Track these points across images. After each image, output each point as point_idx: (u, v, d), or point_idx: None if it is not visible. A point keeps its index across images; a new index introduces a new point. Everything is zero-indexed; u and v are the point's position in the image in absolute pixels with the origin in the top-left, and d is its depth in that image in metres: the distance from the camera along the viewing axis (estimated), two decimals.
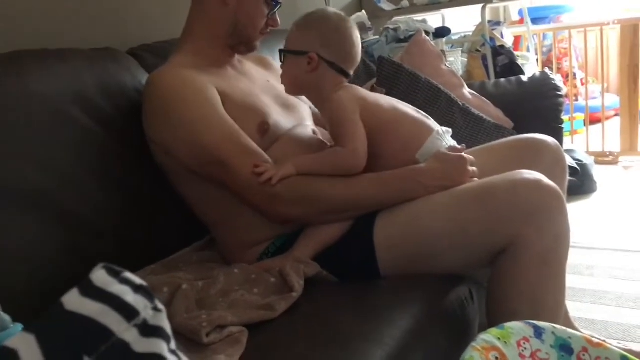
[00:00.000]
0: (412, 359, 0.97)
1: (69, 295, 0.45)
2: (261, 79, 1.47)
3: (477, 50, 2.80)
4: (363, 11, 2.78)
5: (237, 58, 1.46)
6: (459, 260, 1.16)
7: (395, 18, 2.92)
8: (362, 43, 2.53)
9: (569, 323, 1.44)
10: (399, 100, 1.33)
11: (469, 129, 1.92)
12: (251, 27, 1.38)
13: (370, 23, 2.72)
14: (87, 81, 1.34)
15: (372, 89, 1.96)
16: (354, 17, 2.72)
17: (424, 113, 1.33)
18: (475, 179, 1.24)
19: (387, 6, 2.97)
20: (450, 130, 1.30)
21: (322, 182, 1.20)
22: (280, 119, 1.36)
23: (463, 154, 1.24)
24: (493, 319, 1.14)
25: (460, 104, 1.94)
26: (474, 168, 1.25)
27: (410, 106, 1.33)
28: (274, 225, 1.25)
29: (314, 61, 1.25)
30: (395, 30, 2.54)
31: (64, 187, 1.20)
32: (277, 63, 1.62)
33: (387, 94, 1.96)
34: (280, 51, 1.30)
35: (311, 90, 1.31)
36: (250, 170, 1.17)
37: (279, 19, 1.42)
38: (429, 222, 1.16)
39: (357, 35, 1.29)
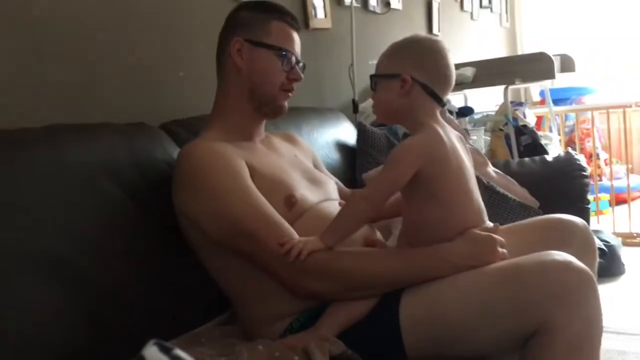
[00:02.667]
0: None
1: None
2: (289, 154, 1.50)
3: (500, 130, 2.83)
4: None
5: (265, 134, 1.49)
6: (487, 344, 1.12)
7: None
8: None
9: None
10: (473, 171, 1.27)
11: (494, 207, 1.91)
12: (268, 84, 1.40)
13: None
14: (120, 155, 1.38)
15: None
16: None
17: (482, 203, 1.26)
18: (504, 259, 1.23)
19: None
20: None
21: (349, 257, 1.20)
22: (307, 192, 1.37)
23: (494, 235, 1.22)
24: None
25: (485, 182, 1.95)
26: (504, 250, 1.24)
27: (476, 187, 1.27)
28: (298, 300, 1.24)
29: (407, 83, 1.19)
30: None
31: (89, 258, 1.21)
32: (301, 138, 1.66)
33: None
34: (371, 77, 1.25)
35: (406, 116, 1.23)
36: (277, 243, 1.17)
37: (301, 73, 1.43)
38: (455, 304, 1.13)
39: (450, 58, 1.24)
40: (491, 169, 2.07)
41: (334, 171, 1.85)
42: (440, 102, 1.23)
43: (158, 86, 1.80)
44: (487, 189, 1.92)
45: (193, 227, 1.30)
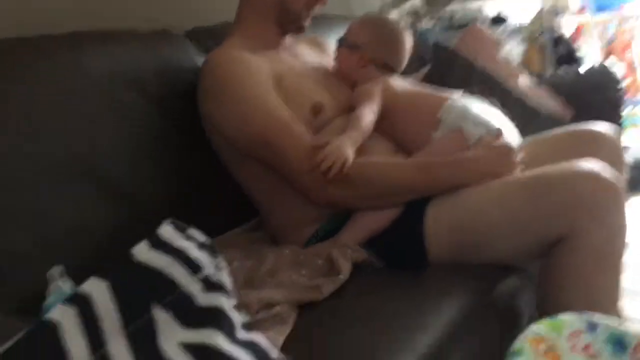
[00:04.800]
0: (458, 349, 0.96)
1: (138, 247, 0.47)
2: (313, 60, 1.48)
3: (535, 40, 2.72)
4: None
5: (290, 40, 1.47)
6: (510, 250, 1.14)
7: (451, 6, 2.86)
8: (416, 29, 2.52)
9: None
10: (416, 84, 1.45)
11: (524, 120, 1.87)
12: (297, 4, 1.37)
13: (424, 10, 2.68)
14: (143, 63, 1.37)
15: (424, 78, 1.94)
16: (407, 4, 2.68)
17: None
18: (522, 167, 1.22)
19: None
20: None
21: (369, 166, 1.20)
22: (333, 100, 1.36)
23: (511, 143, 1.22)
24: (544, 312, 1.11)
25: (515, 94, 1.90)
26: (522, 155, 1.23)
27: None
28: (323, 207, 1.25)
29: (364, 60, 1.38)
30: (450, 18, 2.50)
31: (116, 167, 1.23)
32: (329, 45, 1.63)
33: (440, 82, 1.94)
34: (338, 40, 1.43)
35: (352, 81, 1.42)
36: (298, 154, 1.18)
37: None
38: (480, 210, 1.14)
39: (409, 43, 1.43)
40: (523, 80, 2.01)
41: None
42: (392, 73, 1.42)
43: None
44: (517, 102, 1.87)
45: (219, 135, 1.31)
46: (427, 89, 1.41)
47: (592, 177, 1.06)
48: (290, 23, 1.40)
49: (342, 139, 1.16)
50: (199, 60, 1.47)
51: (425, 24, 2.60)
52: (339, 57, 1.44)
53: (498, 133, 1.24)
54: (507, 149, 1.20)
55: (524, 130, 1.84)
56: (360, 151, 1.19)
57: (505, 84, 1.91)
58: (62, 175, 1.14)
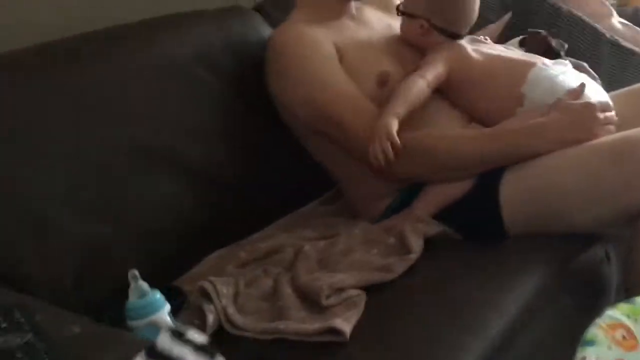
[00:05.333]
0: (536, 327, 0.94)
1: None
2: (381, 25, 1.43)
3: None
4: None
5: (355, 6, 1.42)
6: (592, 219, 1.08)
7: None
8: None
9: None
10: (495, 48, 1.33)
11: (618, 64, 1.74)
12: None
13: None
14: (214, 41, 1.38)
15: (507, 24, 1.84)
16: None
17: (523, 52, 1.30)
18: (611, 127, 1.14)
19: None
20: (566, 62, 1.21)
21: (437, 139, 1.17)
22: (401, 68, 1.32)
23: (591, 100, 1.13)
24: (631, 284, 1.06)
25: (608, 36, 1.76)
26: (609, 114, 1.15)
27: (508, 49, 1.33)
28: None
29: (424, 28, 1.28)
30: None
31: (195, 146, 1.27)
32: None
33: (522, 29, 1.84)
34: (397, 8, 1.33)
35: (420, 47, 1.33)
36: (364, 131, 1.16)
37: None
38: (559, 177, 1.09)
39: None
40: (616, 19, 1.86)
41: None
42: (459, 37, 1.30)
43: None
44: (610, 45, 1.74)
45: (287, 112, 1.32)
46: (508, 53, 1.31)
47: None
48: None
49: (381, 118, 1.14)
50: (267, 33, 1.47)
51: None
52: (402, 27, 1.36)
53: (578, 90, 1.16)
54: (589, 110, 1.13)
55: (619, 76, 1.73)
56: (427, 125, 1.16)
57: (595, 26, 1.77)
58: (143, 161, 1.19)
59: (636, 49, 1.74)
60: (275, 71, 1.30)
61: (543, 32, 1.52)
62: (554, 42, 1.47)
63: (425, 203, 1.20)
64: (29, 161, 1.02)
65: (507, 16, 1.89)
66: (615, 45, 1.75)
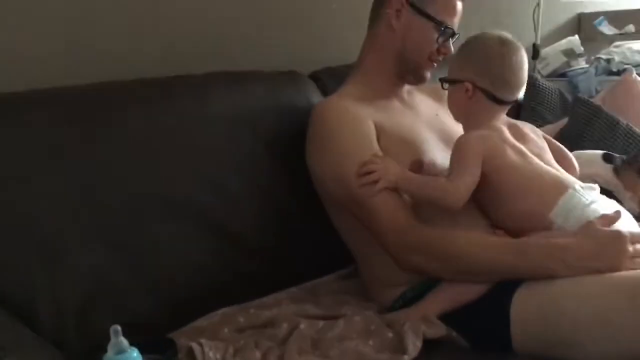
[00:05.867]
0: None
1: None
2: (429, 113, 1.44)
3: None
4: (576, 36, 2.57)
5: (408, 89, 1.44)
6: (601, 354, 1.03)
7: (616, 44, 2.64)
8: (568, 72, 2.36)
9: None
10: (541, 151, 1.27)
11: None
12: (417, 54, 1.34)
13: (582, 49, 2.50)
14: (265, 104, 1.44)
15: (561, 132, 1.82)
16: (564, 41, 2.52)
17: (559, 167, 1.24)
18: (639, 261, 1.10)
19: (608, 30, 2.70)
20: (596, 186, 1.16)
21: (460, 240, 1.16)
22: (440, 156, 1.32)
23: (623, 230, 1.10)
24: None
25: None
26: (639, 246, 1.10)
27: (550, 161, 1.26)
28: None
29: (469, 91, 1.22)
30: (607, 61, 2.30)
31: (220, 201, 1.31)
32: None
33: (579, 135, 1.81)
34: (440, 79, 1.29)
35: (470, 116, 1.27)
36: (388, 219, 1.17)
37: (452, 47, 1.35)
38: (573, 306, 1.05)
39: (518, 60, 1.22)
40: None
41: None
42: (507, 104, 1.24)
43: (315, 30, 1.81)
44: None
45: (319, 183, 1.34)
46: (545, 167, 1.22)
47: None
48: (409, 73, 1.38)
49: (396, 167, 1.21)
50: (317, 101, 1.51)
51: (580, 64, 2.43)
52: (448, 98, 1.30)
53: (612, 217, 1.13)
54: (620, 240, 1.09)
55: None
56: (449, 221, 1.15)
57: None
58: (170, 213, 1.23)
59: None
60: (314, 141, 1.33)
61: None
62: None
63: (434, 300, 1.18)
64: (48, 199, 1.08)
65: (564, 121, 1.88)
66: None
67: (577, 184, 1.18)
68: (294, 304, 1.22)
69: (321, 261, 1.45)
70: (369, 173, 1.20)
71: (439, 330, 1.12)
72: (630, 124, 1.78)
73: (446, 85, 1.27)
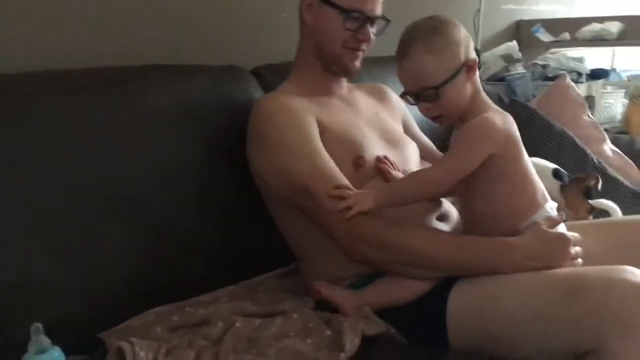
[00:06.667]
0: None
1: None
2: (369, 111, 1.44)
3: (638, 98, 2.53)
4: (514, 41, 2.63)
5: (348, 87, 1.44)
6: (536, 351, 1.05)
7: (552, 50, 2.73)
8: (507, 76, 2.42)
9: None
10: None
11: (603, 191, 1.75)
12: (331, 44, 1.33)
13: (520, 54, 2.57)
14: (204, 98, 1.41)
15: None
16: (503, 46, 2.58)
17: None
18: (578, 261, 1.13)
19: (545, 37, 2.79)
20: (555, 204, 1.18)
21: (409, 234, 1.15)
22: (381, 154, 1.32)
23: (566, 233, 1.12)
24: None
25: (596, 161, 1.77)
26: (578, 249, 1.14)
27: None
28: (353, 265, 1.22)
29: (473, 68, 1.11)
30: (543, 67, 2.38)
31: (159, 199, 1.27)
32: (394, 95, 1.57)
33: None
34: (435, 89, 1.09)
35: (473, 101, 1.13)
36: (337, 206, 1.14)
37: (371, 34, 1.33)
38: (507, 304, 1.07)
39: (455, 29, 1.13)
40: (608, 146, 1.88)
41: (433, 132, 1.73)
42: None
43: (258, 27, 1.79)
44: (596, 170, 1.75)
45: (260, 179, 1.31)
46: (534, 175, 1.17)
47: (636, 292, 0.96)
48: (332, 65, 1.36)
49: (370, 194, 1.13)
50: (258, 96, 1.48)
51: (518, 69, 2.49)
52: (444, 103, 1.11)
53: (557, 220, 1.15)
54: (564, 242, 1.12)
55: None
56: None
57: (585, 149, 1.79)
58: (101, 207, 1.18)
59: (620, 178, 1.75)
60: (253, 137, 1.31)
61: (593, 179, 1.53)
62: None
63: (376, 293, 1.17)
64: None
65: None
66: (600, 171, 1.76)
67: (549, 203, 1.16)
68: (230, 302, 1.19)
69: (261, 259, 1.42)
70: (341, 197, 1.14)
71: (377, 327, 1.12)
72: (564, 128, 1.83)
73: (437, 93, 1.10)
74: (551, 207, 1.16)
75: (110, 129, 1.23)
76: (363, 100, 1.47)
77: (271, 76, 1.59)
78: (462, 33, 1.13)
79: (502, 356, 1.07)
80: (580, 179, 1.51)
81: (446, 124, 1.18)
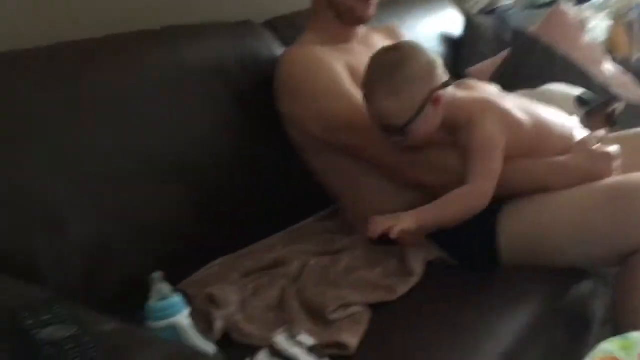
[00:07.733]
0: (527, 356, 0.98)
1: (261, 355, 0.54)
2: None
3: (622, 17, 2.59)
4: None
5: (364, 31, 1.47)
6: (584, 257, 1.14)
7: None
8: (496, 8, 2.45)
9: None
10: (538, 106, 1.27)
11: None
12: None
13: None
14: (228, 55, 1.43)
15: (504, 61, 1.91)
16: None
17: (563, 115, 1.28)
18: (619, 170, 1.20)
19: None
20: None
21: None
22: None
23: (610, 148, 1.20)
24: (618, 319, 1.11)
25: (598, 82, 1.84)
26: (619, 163, 1.21)
27: (551, 110, 1.28)
28: (401, 198, 1.26)
29: (440, 99, 1.13)
30: None
31: (201, 157, 1.30)
32: (403, 32, 1.61)
33: (519, 67, 1.90)
34: (403, 127, 1.12)
35: (453, 120, 1.17)
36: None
37: None
38: (555, 215, 1.14)
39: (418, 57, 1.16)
40: (608, 66, 1.95)
41: None
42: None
43: None
44: (600, 92, 1.81)
45: (298, 129, 1.35)
46: (549, 115, 1.25)
47: None
48: (345, 15, 1.39)
49: (406, 221, 1.08)
50: (277, 50, 1.51)
51: (505, 2, 2.53)
52: (417, 133, 1.14)
53: (600, 137, 1.22)
54: (608, 160, 1.19)
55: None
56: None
57: (587, 71, 1.85)
58: (152, 171, 1.21)
59: (623, 97, 1.82)
60: (287, 91, 1.34)
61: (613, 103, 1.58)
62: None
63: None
64: (47, 165, 1.05)
65: (505, 52, 1.96)
66: (604, 93, 1.82)
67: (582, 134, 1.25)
68: (286, 247, 1.24)
69: (299, 206, 1.47)
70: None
71: (434, 252, 1.18)
72: (565, 53, 1.89)
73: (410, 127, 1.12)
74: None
75: (140, 92, 1.24)
76: (380, 42, 1.50)
77: (285, 27, 1.62)
78: (425, 63, 1.13)
79: (551, 264, 1.15)
80: (601, 105, 1.57)
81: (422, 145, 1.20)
